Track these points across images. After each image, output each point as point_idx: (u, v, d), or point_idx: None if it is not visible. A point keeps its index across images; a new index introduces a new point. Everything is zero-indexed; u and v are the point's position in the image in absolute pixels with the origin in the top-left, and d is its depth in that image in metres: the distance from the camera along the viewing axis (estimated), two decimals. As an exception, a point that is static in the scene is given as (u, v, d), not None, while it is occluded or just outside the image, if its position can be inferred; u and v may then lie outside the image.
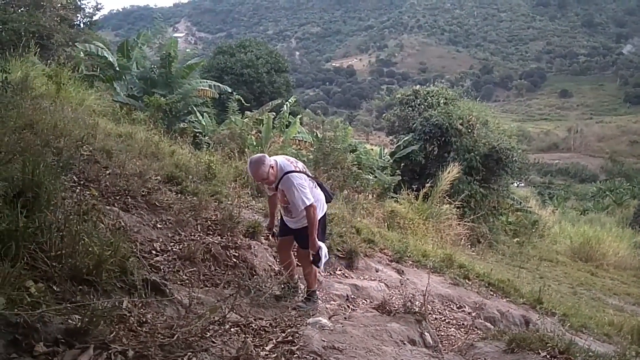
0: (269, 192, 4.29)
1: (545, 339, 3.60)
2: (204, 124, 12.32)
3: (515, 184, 21.78)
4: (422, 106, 15.02)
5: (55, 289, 2.33)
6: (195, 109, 12.83)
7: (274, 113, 12.80)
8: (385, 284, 5.59)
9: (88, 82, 11.20)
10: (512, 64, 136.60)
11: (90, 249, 2.54)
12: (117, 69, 12.97)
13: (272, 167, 3.91)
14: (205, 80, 14.73)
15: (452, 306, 5.58)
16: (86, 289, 2.42)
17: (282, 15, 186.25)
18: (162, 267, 3.49)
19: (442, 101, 14.99)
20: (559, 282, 10.51)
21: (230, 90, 14.87)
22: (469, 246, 10.64)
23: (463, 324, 4.99)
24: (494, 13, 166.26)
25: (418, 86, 17.07)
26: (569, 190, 47.67)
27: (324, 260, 4.17)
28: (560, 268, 12.22)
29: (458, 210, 11.34)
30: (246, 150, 9.76)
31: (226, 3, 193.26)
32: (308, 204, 3.97)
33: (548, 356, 3.39)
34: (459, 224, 10.95)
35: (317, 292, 4.47)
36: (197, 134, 11.62)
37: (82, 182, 4.17)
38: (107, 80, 12.73)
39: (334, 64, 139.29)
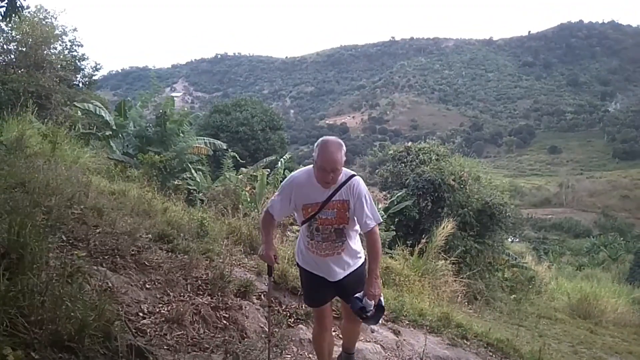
0: (299, 212, 3.03)
1: (548, 404, 3.45)
2: (198, 180, 12.36)
3: (510, 239, 21.70)
4: (415, 162, 15.18)
5: (34, 356, 2.23)
6: (190, 166, 12.92)
7: (269, 169, 12.91)
8: (381, 345, 5.40)
9: (84, 140, 11.33)
10: (501, 121, 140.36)
11: (73, 313, 2.45)
12: (114, 127, 13.16)
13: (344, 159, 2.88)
14: (201, 138, 14.94)
15: (450, 369, 5.38)
16: (67, 357, 2.31)
17: (277, 75, 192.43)
18: (148, 331, 3.36)
19: (434, 157, 15.17)
20: (559, 340, 10.23)
21: (225, 147, 15.06)
22: (466, 303, 10.42)
23: (462, 388, 4.79)
24: (482, 73, 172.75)
25: (410, 143, 17.33)
26: (564, 245, 47.59)
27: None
28: (559, 326, 11.93)
29: (454, 266, 11.19)
30: (240, 206, 9.73)
31: (223, 64, 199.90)
32: (380, 220, 3.06)
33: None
34: (455, 280, 10.77)
35: None
36: (191, 191, 11.63)
37: (70, 242, 4.10)
38: (103, 139, 12.88)
39: (327, 122, 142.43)
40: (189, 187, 11.92)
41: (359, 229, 3.10)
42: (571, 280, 18.52)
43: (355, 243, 3.16)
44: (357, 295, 3.02)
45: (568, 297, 14.79)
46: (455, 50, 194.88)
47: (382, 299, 3.07)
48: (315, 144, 2.89)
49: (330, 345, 3.42)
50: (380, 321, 3.27)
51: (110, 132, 13.07)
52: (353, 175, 2.99)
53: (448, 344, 6.00)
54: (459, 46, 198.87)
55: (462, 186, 13.76)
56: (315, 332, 3.45)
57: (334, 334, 3.77)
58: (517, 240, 26.98)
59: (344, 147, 2.87)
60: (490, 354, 6.18)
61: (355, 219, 3.00)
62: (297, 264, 3.27)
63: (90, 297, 2.83)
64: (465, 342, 6.30)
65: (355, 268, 3.13)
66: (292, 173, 3.15)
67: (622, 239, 41.05)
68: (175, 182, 11.71)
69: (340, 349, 3.80)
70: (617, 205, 74.89)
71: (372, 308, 2.95)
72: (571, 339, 10.56)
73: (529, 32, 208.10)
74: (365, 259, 3.18)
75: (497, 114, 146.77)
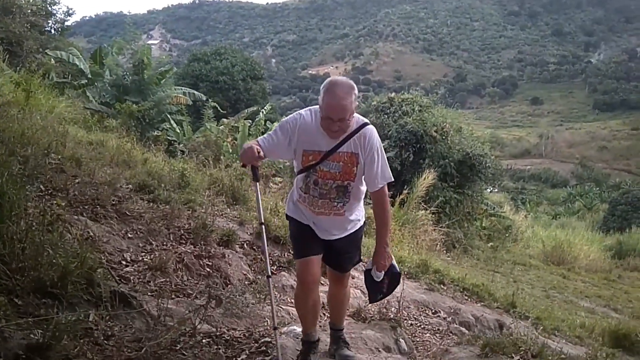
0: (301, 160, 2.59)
1: (519, 342, 3.64)
2: (178, 131, 12.19)
3: (489, 190, 22.13)
4: (397, 113, 15.14)
5: (17, 302, 2.25)
6: (169, 116, 12.70)
7: (250, 120, 12.77)
8: (361, 290, 5.58)
9: (59, 90, 10.97)
10: (485, 72, 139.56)
11: (54, 260, 2.46)
12: (90, 76, 12.77)
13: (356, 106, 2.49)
14: (179, 88, 14.62)
15: (427, 312, 5.59)
16: (50, 302, 2.34)
17: (258, 22, 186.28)
18: (131, 278, 3.40)
19: (416, 108, 15.15)
20: (532, 285, 10.67)
21: (205, 97, 14.79)
22: (445, 251, 10.73)
23: (438, 330, 5.01)
24: (467, 22, 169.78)
25: (393, 93, 17.21)
26: (541, 195, 48.80)
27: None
28: (533, 272, 12.43)
29: (433, 216, 11.44)
30: (222, 157, 9.68)
31: (201, 10, 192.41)
32: (391, 179, 2.64)
33: (521, 360, 3.43)
34: (434, 229, 11.04)
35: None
36: (172, 142, 11.50)
37: (49, 191, 4.06)
38: (79, 87, 12.51)
39: (310, 72, 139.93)
40: (169, 137, 11.78)
41: (365, 189, 2.68)
42: (546, 229, 19.13)
43: (359, 205, 2.74)
44: (368, 269, 2.77)
45: (543, 245, 15.34)
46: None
47: (395, 264, 2.77)
48: (322, 86, 2.48)
49: (315, 306, 2.86)
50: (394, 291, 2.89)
51: (86, 81, 12.70)
52: (366, 124, 2.57)
53: (425, 289, 6.21)
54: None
55: (444, 137, 13.84)
56: (297, 291, 2.90)
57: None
58: (496, 190, 27.51)
59: (356, 91, 2.45)
60: (466, 297, 6.43)
61: (363, 176, 2.60)
62: (287, 215, 2.82)
63: (72, 246, 2.84)
64: (442, 287, 6.53)
65: (351, 232, 2.73)
66: (299, 111, 2.66)
67: (597, 189, 42.22)
68: (155, 133, 11.55)
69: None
70: (595, 156, 76.46)
71: (382, 279, 2.72)
72: (544, 284, 11.03)
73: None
74: (364, 222, 2.85)
75: (481, 65, 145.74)
